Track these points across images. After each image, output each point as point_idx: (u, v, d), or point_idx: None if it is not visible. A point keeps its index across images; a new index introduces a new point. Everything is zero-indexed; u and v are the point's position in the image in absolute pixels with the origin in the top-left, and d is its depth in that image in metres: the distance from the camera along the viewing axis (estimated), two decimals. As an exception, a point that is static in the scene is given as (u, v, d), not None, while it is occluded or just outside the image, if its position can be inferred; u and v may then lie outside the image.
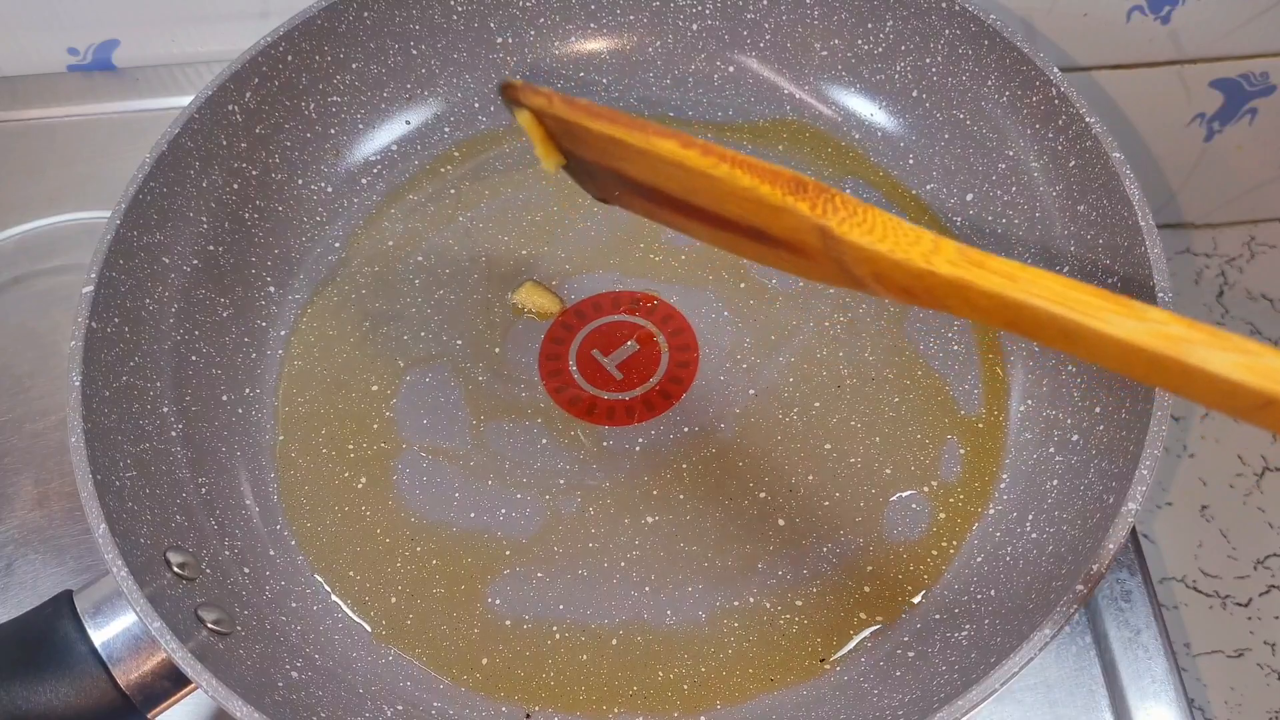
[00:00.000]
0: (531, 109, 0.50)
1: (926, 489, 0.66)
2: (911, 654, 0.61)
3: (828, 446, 0.67)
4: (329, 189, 0.78)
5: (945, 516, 0.65)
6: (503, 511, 0.66)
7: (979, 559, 0.64)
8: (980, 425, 0.68)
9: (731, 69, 0.79)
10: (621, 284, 0.74)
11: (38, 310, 0.81)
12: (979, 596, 0.62)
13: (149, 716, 0.57)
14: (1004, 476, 0.66)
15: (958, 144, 0.76)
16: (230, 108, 0.72)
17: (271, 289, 0.74)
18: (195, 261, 0.71)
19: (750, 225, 0.46)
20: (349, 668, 0.62)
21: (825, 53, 0.79)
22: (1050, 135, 0.70)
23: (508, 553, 0.65)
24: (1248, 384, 0.35)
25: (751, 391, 0.69)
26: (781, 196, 0.44)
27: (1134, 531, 0.71)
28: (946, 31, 0.73)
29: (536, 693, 0.60)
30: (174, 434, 0.66)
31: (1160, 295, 0.61)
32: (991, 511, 0.66)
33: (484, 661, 0.62)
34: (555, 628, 0.62)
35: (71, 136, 0.88)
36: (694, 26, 0.80)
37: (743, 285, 0.72)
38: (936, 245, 0.41)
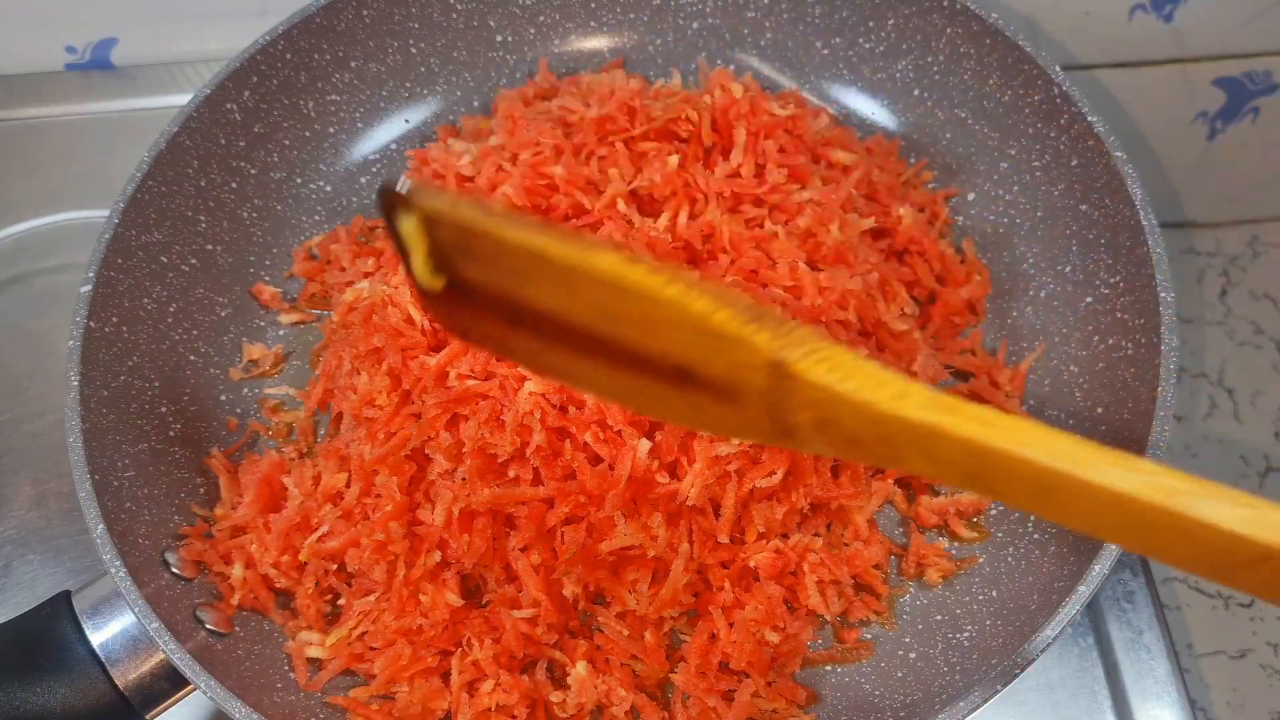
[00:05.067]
0: (424, 214, 0.43)
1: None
2: (913, 655, 0.61)
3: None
4: (328, 188, 0.78)
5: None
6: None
7: (981, 559, 0.64)
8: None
9: (732, 68, 0.78)
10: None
11: (36, 310, 0.80)
12: (980, 597, 0.62)
13: (147, 717, 0.57)
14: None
15: (959, 143, 0.75)
16: (229, 106, 0.72)
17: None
18: (194, 261, 0.71)
19: (676, 363, 0.41)
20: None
21: (827, 51, 0.79)
22: (1052, 134, 0.70)
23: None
24: (1250, 537, 0.33)
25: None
26: (738, 326, 0.39)
27: (1136, 532, 0.70)
28: (948, 30, 0.73)
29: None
30: (172, 434, 0.66)
31: (1162, 295, 0.61)
32: (993, 512, 0.65)
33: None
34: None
35: (70, 135, 0.88)
36: (694, 25, 0.80)
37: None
38: (905, 390, 0.37)
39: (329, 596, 0.62)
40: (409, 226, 0.43)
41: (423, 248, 0.44)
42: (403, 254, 0.44)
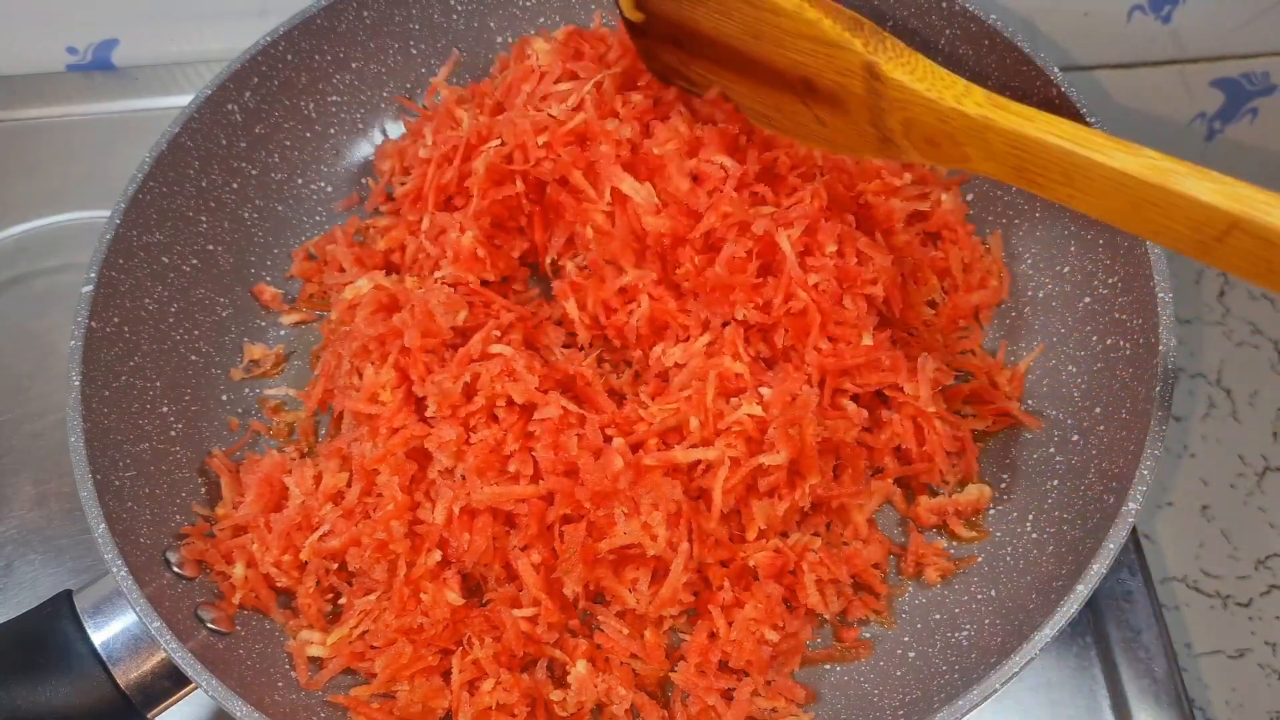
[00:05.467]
0: None
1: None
2: (912, 654, 0.61)
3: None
4: (329, 188, 0.78)
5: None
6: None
7: (979, 559, 0.64)
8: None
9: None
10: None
11: (37, 310, 0.80)
12: (979, 596, 0.62)
13: (149, 716, 0.57)
14: (1004, 476, 0.66)
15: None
16: (230, 107, 0.72)
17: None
18: (195, 261, 0.71)
19: (801, 74, 0.52)
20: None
21: (826, 52, 0.79)
22: (1051, 135, 0.70)
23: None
24: (1219, 206, 0.40)
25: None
26: (839, 31, 0.49)
27: (1135, 532, 0.71)
28: (947, 31, 0.73)
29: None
30: (174, 434, 0.66)
31: (1160, 295, 0.61)
32: (992, 511, 0.66)
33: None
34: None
35: (71, 136, 0.88)
36: (694, 26, 0.80)
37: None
38: (968, 89, 0.47)
39: (330, 596, 0.63)
40: None
41: None
42: None
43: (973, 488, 0.65)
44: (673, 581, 0.59)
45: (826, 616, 0.62)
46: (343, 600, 0.62)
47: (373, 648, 0.60)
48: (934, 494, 0.66)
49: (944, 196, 0.71)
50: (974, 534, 0.65)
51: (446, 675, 0.59)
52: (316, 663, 0.61)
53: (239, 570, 0.61)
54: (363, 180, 0.78)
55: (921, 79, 0.47)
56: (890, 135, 0.49)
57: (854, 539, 0.63)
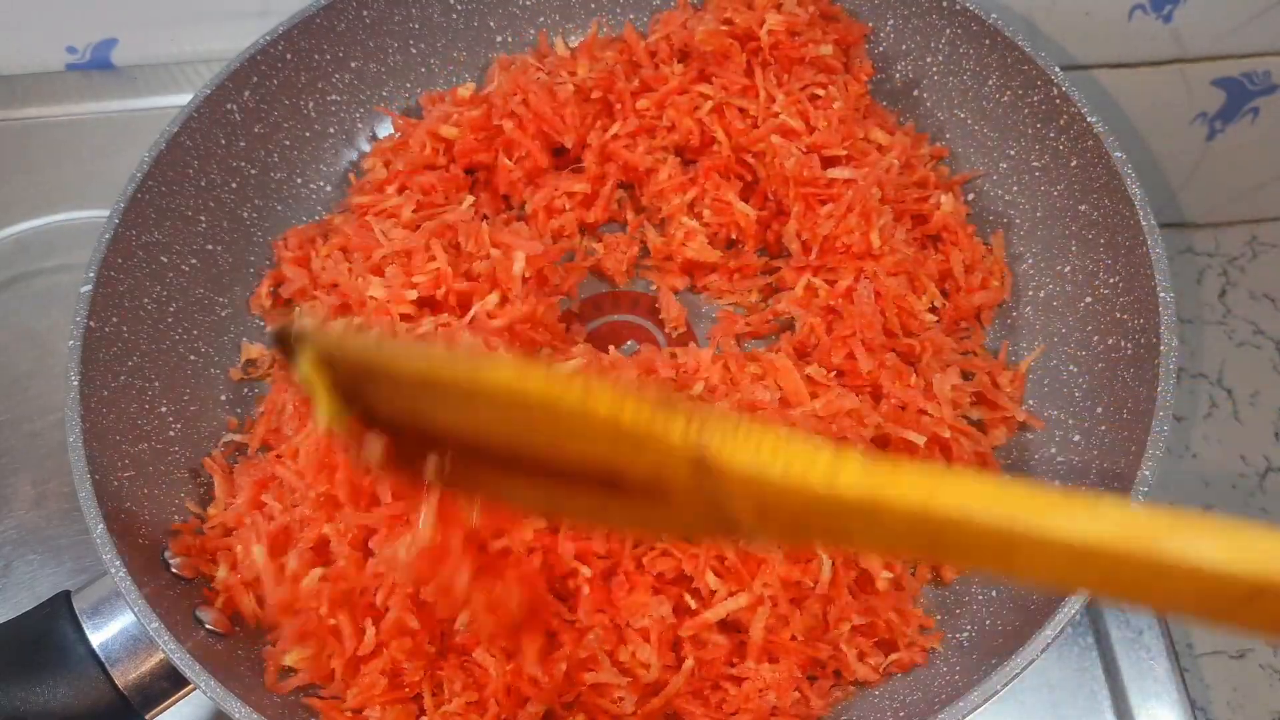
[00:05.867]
0: (319, 354, 0.41)
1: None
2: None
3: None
4: (328, 188, 0.78)
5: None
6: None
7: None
8: (981, 425, 0.68)
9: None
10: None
11: (36, 309, 0.80)
12: (980, 596, 0.62)
13: (147, 717, 0.57)
14: (1004, 475, 0.66)
15: (959, 143, 0.75)
16: (229, 106, 0.72)
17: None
18: (194, 261, 0.71)
19: (599, 470, 0.38)
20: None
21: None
22: (1052, 134, 0.70)
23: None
24: (1236, 572, 0.29)
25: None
26: (647, 421, 0.35)
27: (1136, 532, 0.70)
28: (947, 30, 0.73)
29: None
30: (172, 434, 0.66)
31: (1162, 295, 0.61)
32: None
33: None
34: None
35: (70, 135, 0.88)
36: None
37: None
38: (838, 464, 0.33)
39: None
40: (308, 368, 0.41)
41: (324, 384, 0.42)
42: (310, 395, 0.42)
43: None
44: (668, 694, 0.57)
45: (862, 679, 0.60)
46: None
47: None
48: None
49: (944, 199, 0.71)
50: None
51: (419, 698, 0.57)
52: (289, 670, 0.59)
53: (222, 572, 0.60)
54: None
55: (773, 461, 0.34)
56: (737, 522, 0.36)
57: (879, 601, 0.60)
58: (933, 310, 0.69)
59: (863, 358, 0.64)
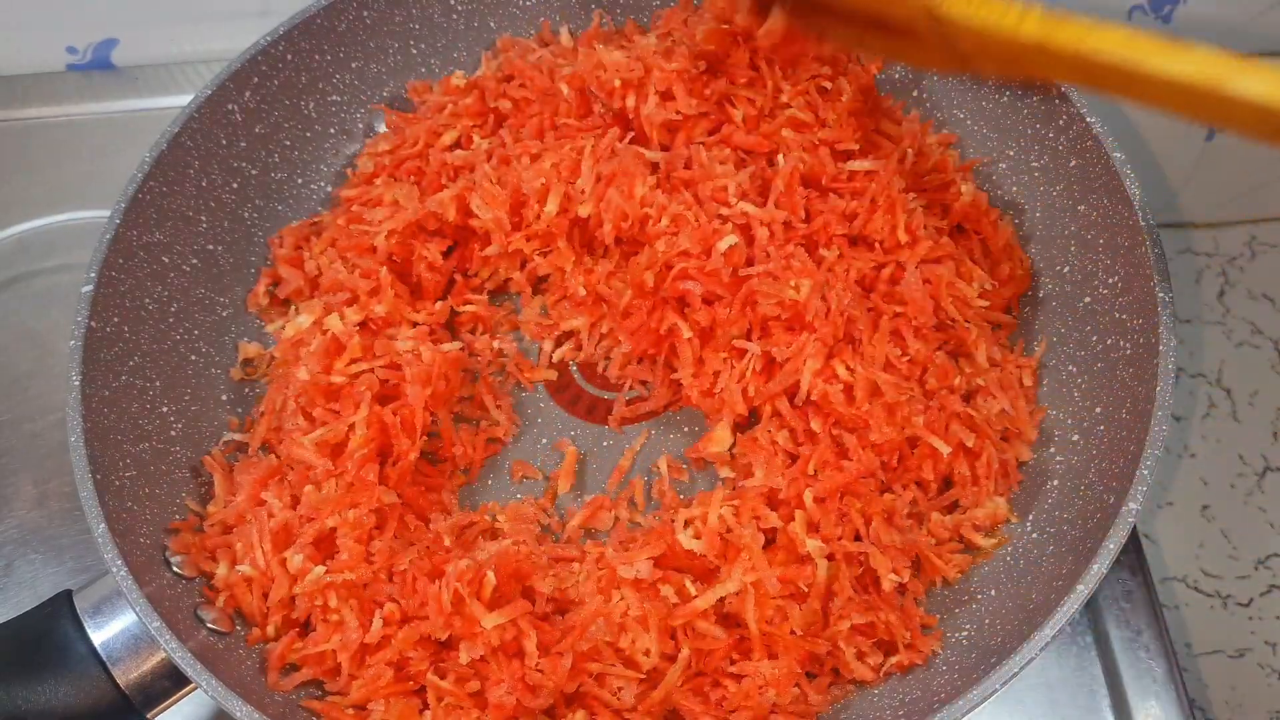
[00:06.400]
0: None
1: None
2: (912, 654, 0.61)
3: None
4: (329, 188, 0.78)
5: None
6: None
7: (979, 558, 0.64)
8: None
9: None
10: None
11: (37, 310, 0.80)
12: (979, 596, 0.62)
13: (148, 716, 0.57)
14: (1005, 476, 0.66)
15: (958, 144, 0.75)
16: (230, 107, 0.72)
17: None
18: (195, 261, 0.71)
19: (873, 15, 0.57)
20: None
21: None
22: (1051, 135, 0.70)
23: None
24: (1273, 108, 0.42)
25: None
26: None
27: (1135, 531, 0.71)
28: (947, 31, 0.73)
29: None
30: (173, 433, 0.66)
31: (1160, 296, 0.61)
32: (992, 511, 0.65)
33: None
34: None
35: (70, 135, 0.88)
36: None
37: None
38: (1023, 14, 0.49)
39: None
40: None
41: None
42: None
43: (989, 503, 0.64)
44: (666, 685, 0.57)
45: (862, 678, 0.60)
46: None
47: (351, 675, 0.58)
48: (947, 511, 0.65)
49: (964, 188, 0.71)
50: (994, 540, 0.64)
51: (422, 691, 0.57)
52: (290, 668, 0.59)
53: (222, 570, 0.61)
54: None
55: (977, 11, 0.51)
56: (967, 57, 0.53)
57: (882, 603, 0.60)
58: (982, 295, 0.68)
59: (914, 344, 0.64)
